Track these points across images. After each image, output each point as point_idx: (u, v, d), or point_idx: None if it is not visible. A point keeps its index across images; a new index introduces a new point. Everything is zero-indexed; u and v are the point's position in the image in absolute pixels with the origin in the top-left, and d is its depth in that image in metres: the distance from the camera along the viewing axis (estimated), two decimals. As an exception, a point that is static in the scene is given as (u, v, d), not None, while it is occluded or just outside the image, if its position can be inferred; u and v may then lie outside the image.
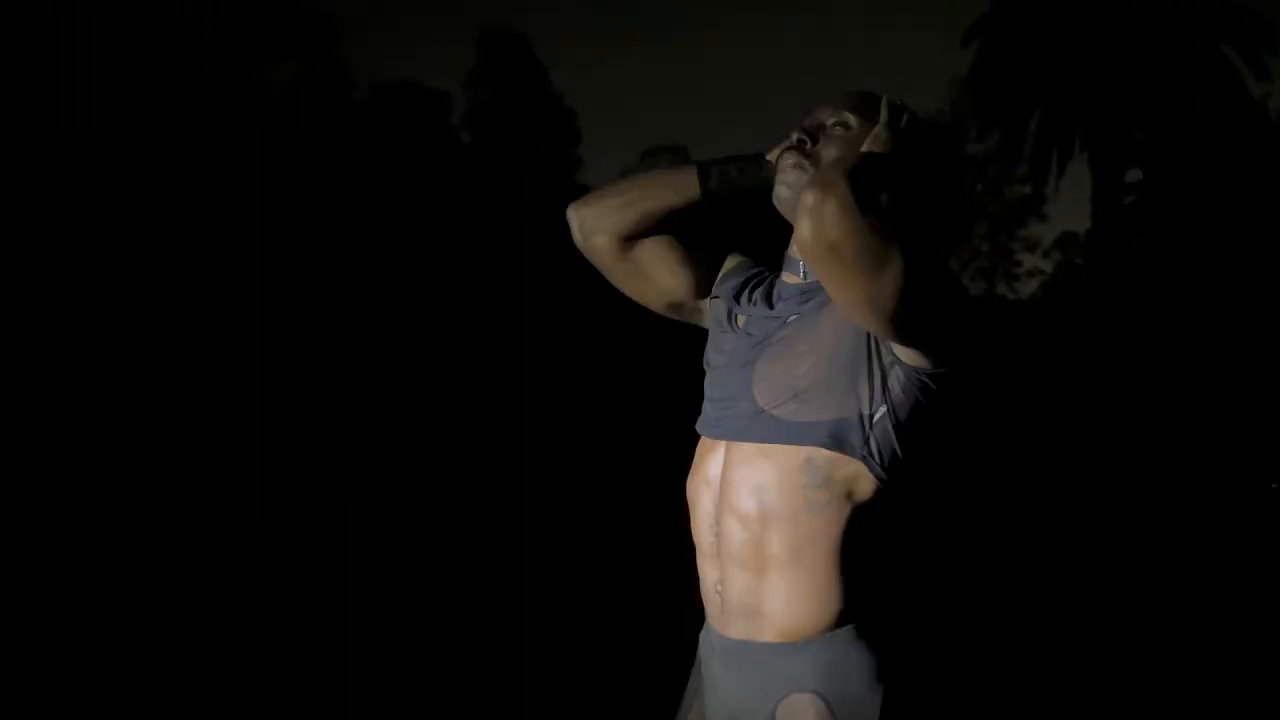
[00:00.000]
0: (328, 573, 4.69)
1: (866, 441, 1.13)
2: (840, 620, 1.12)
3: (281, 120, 21.53)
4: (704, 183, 1.29)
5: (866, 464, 1.12)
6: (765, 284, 1.35)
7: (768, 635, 1.14)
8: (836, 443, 1.12)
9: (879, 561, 1.16)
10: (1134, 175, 16.49)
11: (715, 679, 1.20)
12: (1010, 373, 13.12)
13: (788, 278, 1.29)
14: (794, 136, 1.23)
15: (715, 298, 1.39)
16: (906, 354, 1.11)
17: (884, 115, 1.16)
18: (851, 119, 1.22)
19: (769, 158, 1.27)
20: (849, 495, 1.13)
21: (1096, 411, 11.08)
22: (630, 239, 1.35)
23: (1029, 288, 28.19)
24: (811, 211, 1.00)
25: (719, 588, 1.21)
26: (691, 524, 1.27)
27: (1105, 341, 13.56)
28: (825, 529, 1.12)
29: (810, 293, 1.23)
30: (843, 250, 0.97)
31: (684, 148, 27.14)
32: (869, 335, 1.12)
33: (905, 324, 1.04)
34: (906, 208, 1.20)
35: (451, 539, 5.42)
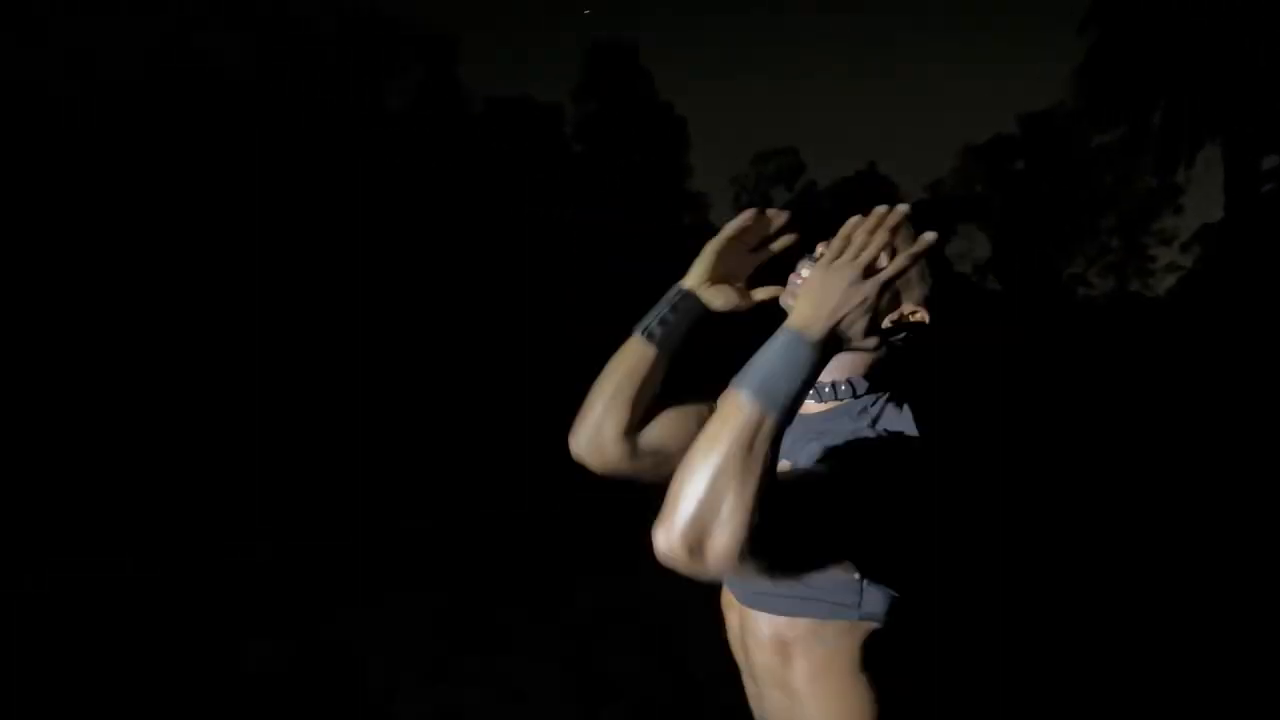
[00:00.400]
0: (328, 577, 4.59)
1: (859, 605, 1.16)
2: None
3: (401, 135, 22.55)
4: (653, 342, 1.33)
5: (865, 620, 1.16)
6: None
7: None
8: (834, 612, 1.15)
9: (901, 673, 1.19)
10: (1271, 161, 15.48)
11: None
12: (1149, 372, 12.51)
13: (806, 404, 1.28)
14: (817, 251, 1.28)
15: None
16: None
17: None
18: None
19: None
20: (856, 628, 1.17)
21: (1245, 413, 10.46)
22: (633, 432, 1.32)
23: (1166, 283, 26.70)
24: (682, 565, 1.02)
25: (758, 702, 1.27)
26: (728, 638, 1.33)
27: (1246, 337, 12.78)
28: (839, 654, 1.15)
29: (826, 430, 1.22)
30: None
31: (794, 149, 26.92)
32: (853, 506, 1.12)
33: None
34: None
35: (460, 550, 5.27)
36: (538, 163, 20.63)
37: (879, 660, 1.17)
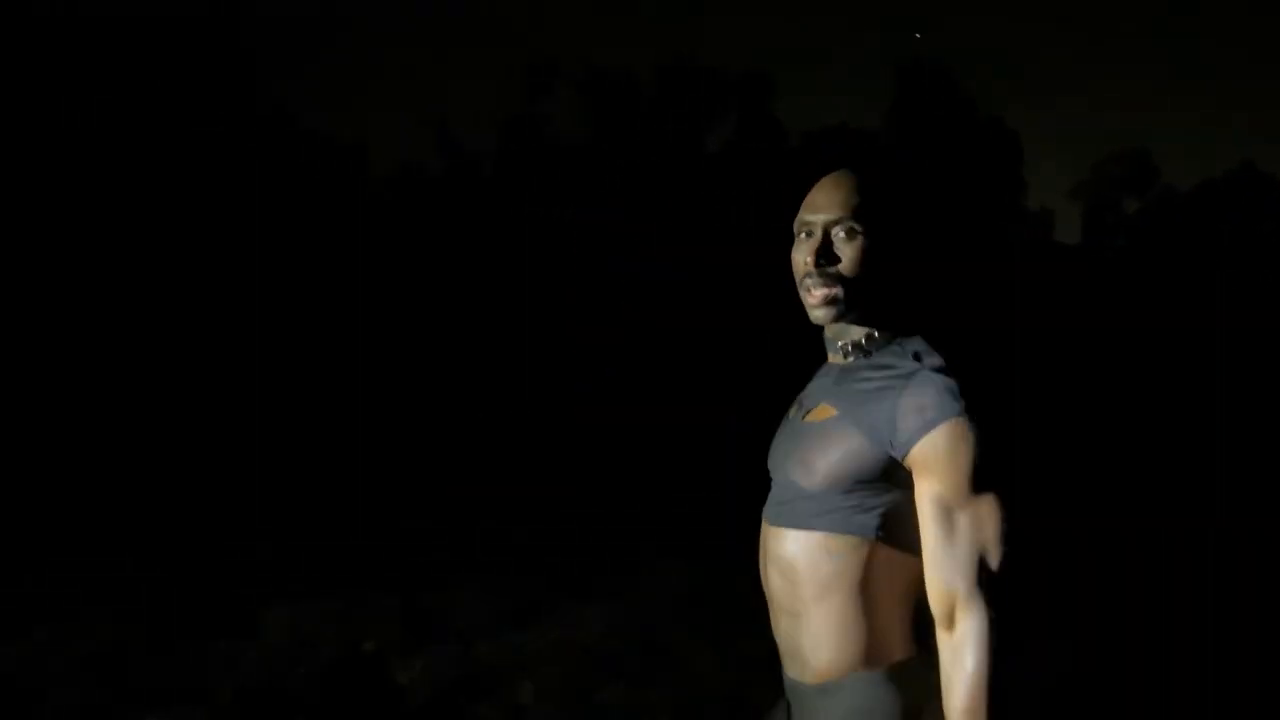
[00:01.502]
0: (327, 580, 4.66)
1: (880, 527, 1.21)
2: (867, 662, 1.21)
3: (722, 173, 23.31)
4: None
5: (879, 540, 1.21)
6: (822, 370, 1.41)
7: (808, 676, 1.25)
8: (848, 529, 1.21)
9: (904, 603, 1.22)
10: None
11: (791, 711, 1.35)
12: None
13: (831, 357, 1.35)
14: (808, 261, 1.27)
15: None
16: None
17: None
18: (858, 226, 1.25)
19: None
20: (863, 547, 1.21)
21: None
22: None
23: None
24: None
25: (776, 629, 1.32)
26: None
27: None
28: (844, 572, 1.22)
29: (847, 377, 1.29)
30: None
31: (1145, 150, 24.39)
32: (893, 464, 1.18)
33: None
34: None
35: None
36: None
37: (882, 586, 1.21)
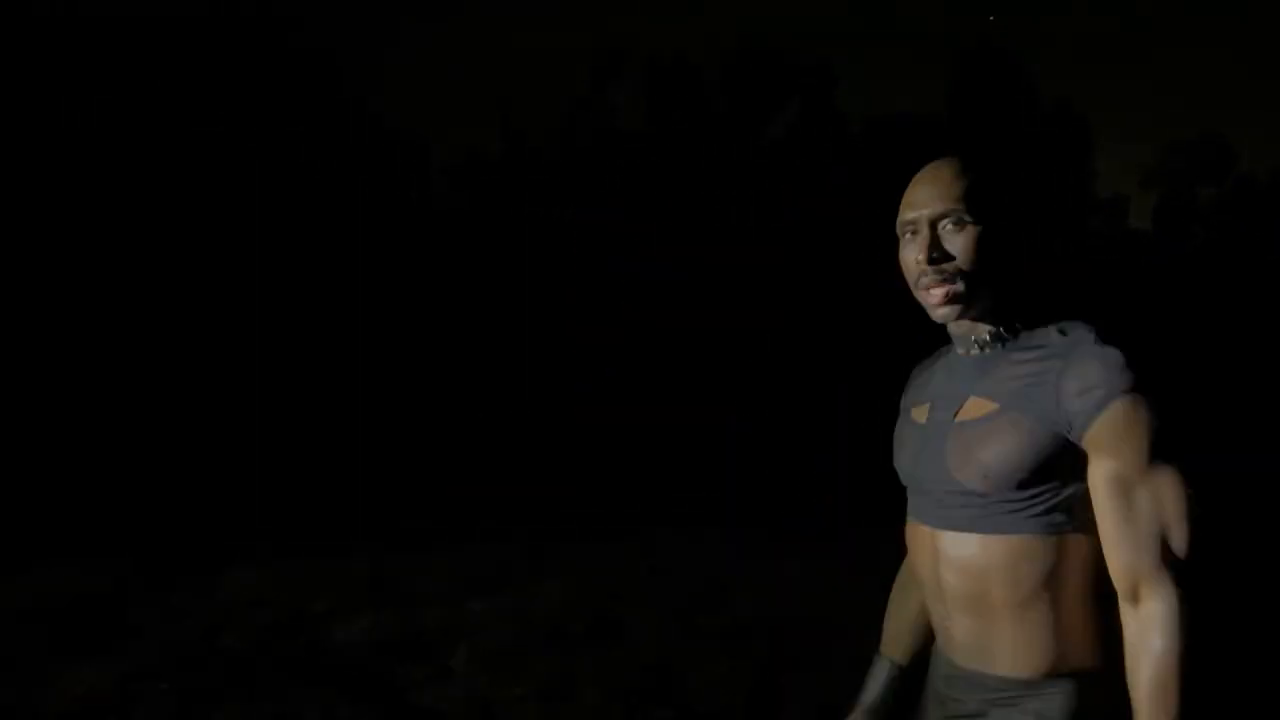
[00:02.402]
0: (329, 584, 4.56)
1: (1071, 520, 1.14)
2: (1072, 663, 1.15)
3: (785, 162, 23.20)
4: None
5: (1071, 535, 1.15)
6: (938, 366, 1.34)
7: (998, 669, 1.19)
8: (1045, 529, 1.14)
9: (1102, 614, 1.15)
10: None
11: (940, 693, 1.29)
12: None
13: (961, 352, 1.28)
14: (920, 260, 1.20)
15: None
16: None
17: None
18: (966, 215, 1.18)
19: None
20: (1061, 544, 1.15)
21: None
22: None
23: None
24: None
25: (946, 623, 1.25)
26: (911, 559, 1.33)
27: None
28: (1050, 576, 1.14)
29: (987, 372, 1.22)
30: None
31: (1220, 135, 23.60)
32: (1071, 446, 1.12)
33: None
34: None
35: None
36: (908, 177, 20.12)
37: (1089, 587, 1.15)
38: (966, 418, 1.20)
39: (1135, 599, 1.09)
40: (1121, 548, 1.09)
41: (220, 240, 12.35)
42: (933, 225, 1.19)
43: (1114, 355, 1.10)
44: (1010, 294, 1.21)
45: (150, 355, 10.76)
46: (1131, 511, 1.08)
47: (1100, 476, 1.10)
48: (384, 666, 3.36)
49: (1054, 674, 1.16)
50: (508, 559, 4.89)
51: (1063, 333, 1.16)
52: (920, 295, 1.22)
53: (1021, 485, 1.13)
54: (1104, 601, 1.14)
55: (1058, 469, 1.12)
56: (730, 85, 21.96)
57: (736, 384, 12.76)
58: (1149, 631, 1.07)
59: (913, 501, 1.30)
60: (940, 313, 1.20)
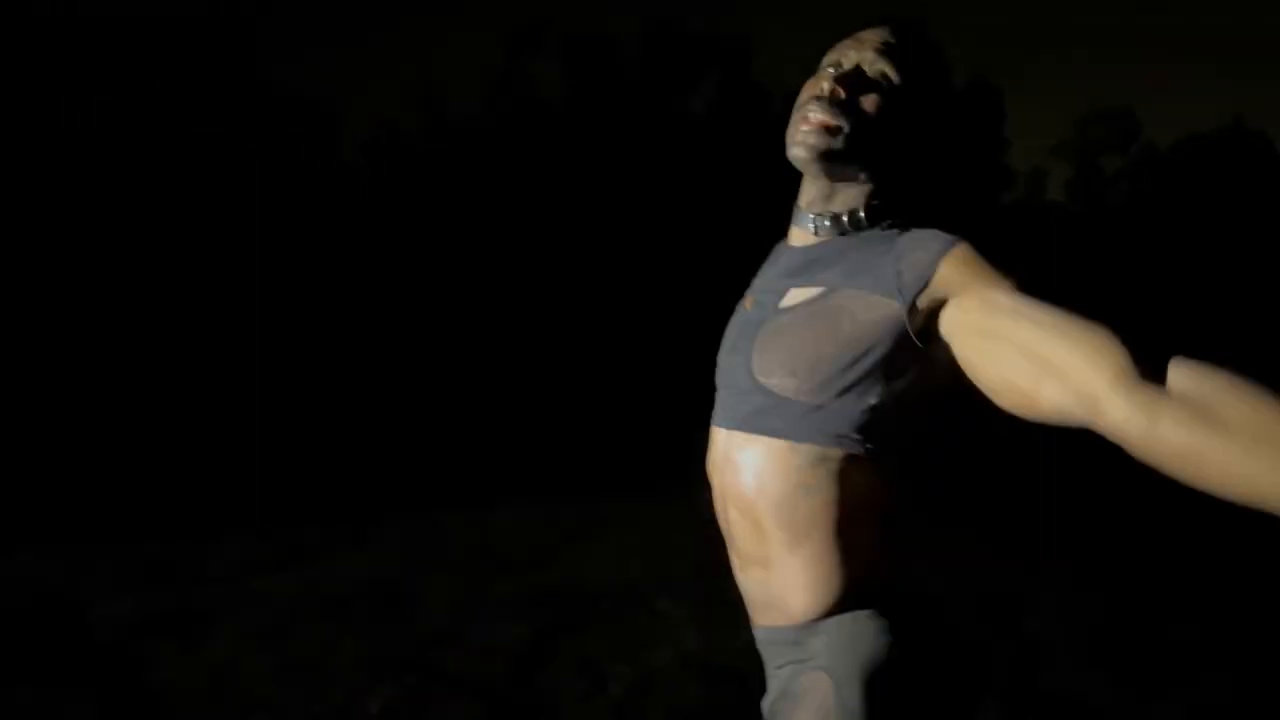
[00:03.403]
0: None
1: (864, 431, 1.01)
2: (852, 600, 1.03)
3: (707, 137, 23.24)
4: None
5: (865, 454, 1.01)
6: (774, 255, 1.20)
7: (784, 620, 1.07)
8: (831, 439, 1.01)
9: (890, 537, 1.05)
10: None
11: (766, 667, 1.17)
12: None
13: (795, 238, 1.13)
14: (824, 86, 1.04)
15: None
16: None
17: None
18: (893, 73, 1.04)
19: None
20: (845, 474, 1.02)
21: None
22: None
23: None
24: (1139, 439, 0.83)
25: (742, 579, 1.14)
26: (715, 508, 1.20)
27: None
28: (823, 509, 1.02)
29: (817, 260, 1.08)
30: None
31: (1129, 110, 24.31)
32: (901, 331, 0.97)
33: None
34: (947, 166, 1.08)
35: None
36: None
37: (867, 521, 1.02)
38: (790, 304, 1.06)
39: (1099, 413, 0.85)
40: (1049, 375, 0.88)
41: (104, 210, 11.88)
42: (854, 72, 1.04)
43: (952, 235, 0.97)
44: (884, 193, 1.07)
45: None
46: (1040, 328, 0.89)
47: (970, 313, 0.94)
48: (135, 646, 3.28)
49: (837, 609, 1.03)
50: (305, 540, 4.72)
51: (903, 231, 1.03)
52: (793, 122, 1.05)
53: (835, 386, 0.99)
54: (892, 534, 1.04)
55: (887, 357, 0.97)
56: (646, 59, 21.87)
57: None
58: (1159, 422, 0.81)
59: (716, 401, 1.16)
60: (807, 143, 1.03)
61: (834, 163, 1.03)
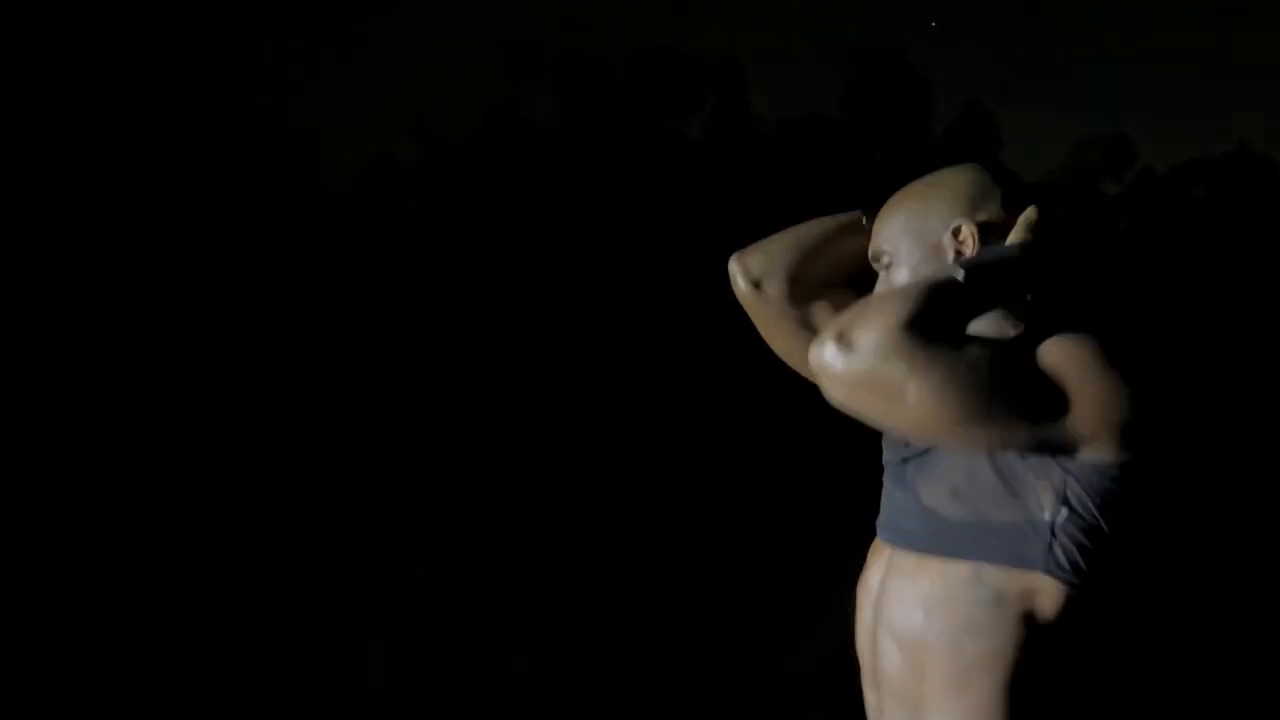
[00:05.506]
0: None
1: (1050, 550, 0.91)
2: None
3: (703, 160, 23.26)
4: (869, 219, 1.22)
5: (1052, 576, 0.92)
6: None
7: None
8: (1011, 556, 0.92)
9: (1067, 695, 0.96)
10: None
11: None
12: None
13: None
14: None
15: None
16: (1089, 448, 0.90)
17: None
18: (884, 255, 1.11)
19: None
20: (1026, 615, 0.93)
21: None
22: (800, 284, 1.24)
23: None
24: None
25: (880, 716, 1.07)
26: (856, 634, 1.13)
27: None
28: (994, 656, 0.93)
29: None
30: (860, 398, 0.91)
31: (1123, 134, 24.30)
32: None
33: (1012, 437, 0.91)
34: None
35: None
36: (831, 180, 20.30)
37: (1043, 674, 0.93)
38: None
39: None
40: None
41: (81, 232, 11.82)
42: (875, 262, 1.14)
43: None
44: None
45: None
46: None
47: None
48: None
49: None
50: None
51: None
52: None
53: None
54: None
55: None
56: (639, 83, 21.86)
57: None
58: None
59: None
60: None
61: None
